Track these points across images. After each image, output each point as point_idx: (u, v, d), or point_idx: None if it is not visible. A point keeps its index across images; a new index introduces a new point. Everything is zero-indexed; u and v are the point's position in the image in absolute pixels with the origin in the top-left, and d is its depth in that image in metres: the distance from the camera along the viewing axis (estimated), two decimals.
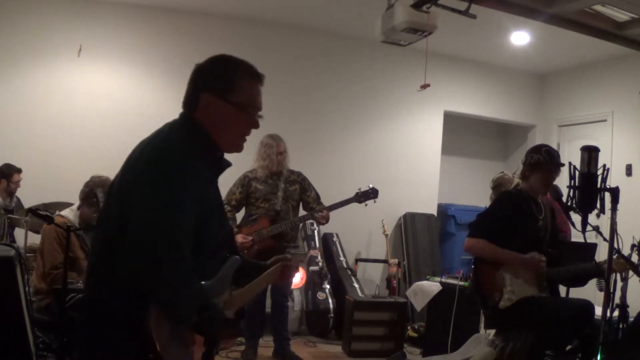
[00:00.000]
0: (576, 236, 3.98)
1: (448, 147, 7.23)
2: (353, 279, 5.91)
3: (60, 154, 5.51)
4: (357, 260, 6.36)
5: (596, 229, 3.31)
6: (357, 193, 4.41)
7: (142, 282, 1.47)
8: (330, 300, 5.65)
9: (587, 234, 2.82)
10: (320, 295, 5.69)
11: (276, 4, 5.80)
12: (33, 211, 3.49)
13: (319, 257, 5.92)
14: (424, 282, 5.01)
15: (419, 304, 4.91)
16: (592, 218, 2.95)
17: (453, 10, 4.23)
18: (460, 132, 7.65)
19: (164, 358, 1.48)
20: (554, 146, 6.57)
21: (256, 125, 1.75)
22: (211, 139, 1.69)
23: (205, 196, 1.63)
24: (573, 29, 4.96)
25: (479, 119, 7.49)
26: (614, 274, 3.14)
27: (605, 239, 2.93)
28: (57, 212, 3.65)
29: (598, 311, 3.19)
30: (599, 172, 2.85)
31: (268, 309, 4.65)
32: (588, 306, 3.31)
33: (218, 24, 6.09)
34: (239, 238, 4.21)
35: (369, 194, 4.40)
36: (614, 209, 2.85)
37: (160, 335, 1.48)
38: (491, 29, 5.72)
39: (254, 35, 6.14)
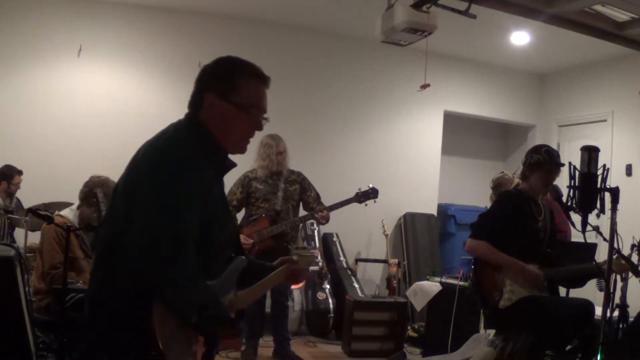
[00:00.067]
0: (576, 236, 3.97)
1: (448, 147, 7.23)
2: (353, 279, 5.91)
3: (60, 154, 5.51)
4: (357, 260, 6.36)
5: (596, 229, 3.30)
6: (357, 193, 4.41)
7: (146, 281, 1.49)
8: (330, 300, 5.66)
9: (587, 234, 2.82)
10: (320, 295, 5.69)
11: (276, 4, 5.81)
12: (33, 211, 3.49)
13: (319, 257, 5.92)
14: (424, 282, 5.01)
15: (419, 304, 4.91)
16: (592, 218, 2.95)
17: (453, 10, 4.23)
18: (460, 132, 7.65)
19: (166, 356, 1.48)
20: (554, 146, 6.58)
21: (259, 127, 1.75)
22: (215, 139, 1.70)
23: (209, 196, 1.64)
24: (573, 29, 4.96)
25: (479, 119, 7.50)
26: (613, 274, 3.14)
27: (605, 239, 2.93)
28: (57, 212, 3.65)
29: (598, 311, 3.19)
30: (599, 172, 2.85)
31: (268, 309, 4.65)
32: (588, 306, 3.31)
33: (218, 24, 6.09)
34: (241, 239, 4.21)
35: (369, 194, 4.41)
36: (614, 209, 2.85)
37: (163, 334, 1.48)
38: (491, 29, 5.72)
39: (254, 35, 6.14)
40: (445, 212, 6.98)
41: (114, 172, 3.70)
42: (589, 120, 6.78)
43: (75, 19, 5.67)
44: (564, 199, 2.99)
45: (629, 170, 6.17)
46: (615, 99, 6.44)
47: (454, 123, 7.29)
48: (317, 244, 6.05)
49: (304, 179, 4.60)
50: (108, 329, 1.58)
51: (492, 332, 3.79)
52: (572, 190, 2.86)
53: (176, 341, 1.50)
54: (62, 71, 5.64)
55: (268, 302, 4.61)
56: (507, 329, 3.40)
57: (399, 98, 6.78)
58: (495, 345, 3.41)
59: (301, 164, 4.80)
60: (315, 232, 6.09)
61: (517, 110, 7.46)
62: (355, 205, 4.43)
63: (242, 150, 1.77)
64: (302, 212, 4.58)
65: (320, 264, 5.85)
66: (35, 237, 4.34)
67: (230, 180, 4.36)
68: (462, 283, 4.55)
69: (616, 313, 3.33)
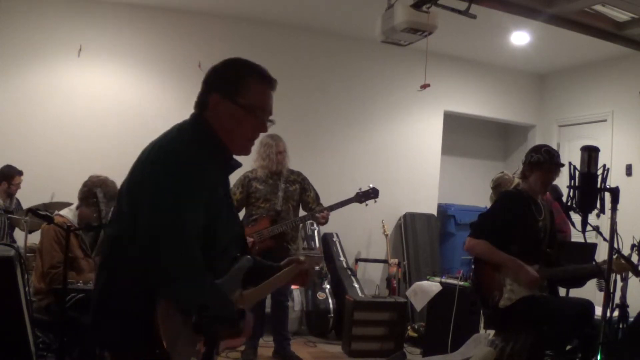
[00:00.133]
0: (576, 236, 3.98)
1: (448, 147, 7.23)
2: (353, 279, 5.91)
3: (60, 154, 5.51)
4: (357, 260, 6.36)
5: (596, 229, 3.30)
6: (357, 193, 4.41)
7: (148, 280, 1.51)
8: (330, 300, 5.66)
9: (587, 234, 2.82)
10: (320, 295, 5.69)
11: (276, 4, 5.81)
12: (33, 211, 3.49)
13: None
14: (424, 282, 5.01)
15: (419, 304, 4.90)
16: (592, 218, 2.95)
17: (453, 10, 4.23)
18: (460, 132, 7.65)
19: (170, 355, 1.50)
20: (554, 146, 6.57)
21: (264, 129, 1.77)
22: (220, 139, 1.71)
23: (213, 195, 1.65)
24: (573, 29, 4.96)
25: (479, 119, 7.50)
26: (613, 274, 3.14)
27: (605, 239, 2.93)
28: (56, 212, 3.65)
29: (598, 311, 3.19)
30: (599, 172, 2.85)
31: (268, 309, 4.65)
32: (588, 305, 3.31)
33: (218, 24, 6.09)
34: None
35: (370, 194, 4.41)
36: (614, 209, 2.85)
37: (167, 332, 1.50)
38: (491, 29, 5.72)
39: (254, 35, 6.14)
40: (445, 212, 6.98)
41: (114, 172, 3.74)
42: (589, 120, 6.78)
43: (75, 19, 5.67)
44: (564, 199, 2.99)
45: (629, 170, 6.17)
46: (615, 99, 6.43)
47: (454, 123, 7.29)
48: (317, 244, 6.05)
49: (304, 179, 4.61)
50: (113, 328, 1.60)
51: (492, 332, 3.79)
52: (572, 190, 2.86)
53: (180, 340, 1.51)
54: (62, 71, 5.64)
55: (268, 302, 4.61)
56: (507, 329, 3.40)
57: (399, 98, 6.78)
58: (495, 345, 3.41)
59: (301, 164, 4.79)
60: (315, 232, 6.09)
61: (517, 110, 7.46)
62: (355, 205, 4.43)
63: (246, 151, 1.78)
64: (301, 212, 4.58)
65: (320, 263, 5.85)
66: (35, 238, 4.34)
67: (230, 180, 4.35)
68: (462, 283, 4.55)
69: (616, 313, 3.33)
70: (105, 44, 5.75)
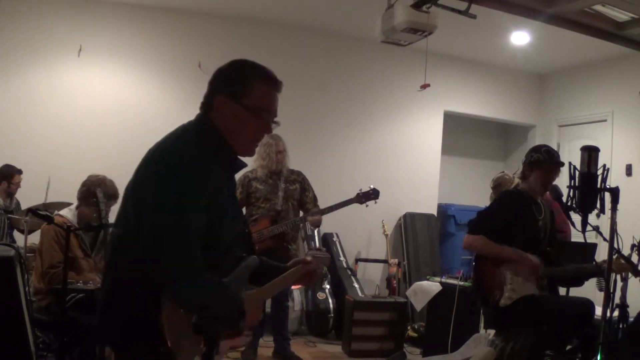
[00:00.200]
0: (576, 236, 3.97)
1: (448, 147, 7.23)
2: (353, 279, 5.91)
3: (60, 154, 5.51)
4: (357, 260, 6.36)
5: (596, 229, 3.30)
6: (358, 194, 4.42)
7: (151, 280, 1.53)
8: (330, 300, 5.66)
9: (587, 234, 2.83)
10: (320, 295, 5.69)
11: (276, 4, 5.81)
12: (33, 211, 3.49)
13: None
14: (424, 282, 5.01)
15: (419, 304, 4.91)
16: (592, 218, 2.95)
17: (453, 10, 4.23)
18: (460, 132, 7.65)
19: (175, 353, 1.51)
20: (554, 146, 6.58)
21: (268, 130, 1.78)
22: (224, 140, 1.72)
23: (217, 195, 1.66)
24: (573, 29, 4.96)
25: (479, 119, 7.50)
26: (613, 274, 3.14)
27: (605, 239, 2.93)
28: (56, 212, 3.65)
29: (598, 311, 3.19)
30: (599, 172, 2.85)
31: (268, 309, 4.65)
32: (588, 304, 3.31)
33: (218, 24, 6.09)
34: None
35: (370, 195, 4.41)
36: (614, 209, 2.85)
37: (171, 331, 1.51)
38: (491, 29, 5.72)
39: (254, 36, 6.14)
40: (445, 212, 6.98)
41: (114, 171, 3.74)
42: (589, 120, 6.78)
43: (75, 19, 5.67)
44: (564, 199, 2.99)
45: (629, 170, 6.18)
46: (615, 99, 6.43)
47: (454, 123, 7.29)
48: (317, 244, 6.05)
49: (304, 179, 4.61)
50: (117, 327, 1.62)
51: (492, 332, 3.79)
52: (572, 190, 2.86)
53: (184, 339, 1.52)
54: (62, 71, 5.64)
55: (268, 302, 4.61)
56: (507, 328, 3.40)
57: (399, 98, 6.78)
58: (495, 345, 3.41)
59: (301, 164, 4.79)
60: (315, 232, 6.08)
61: (517, 110, 7.46)
62: (355, 205, 4.43)
63: (250, 152, 1.80)
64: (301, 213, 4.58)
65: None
66: (35, 238, 4.34)
67: None
68: (462, 283, 4.55)
69: (616, 313, 3.33)
70: (105, 44, 5.75)
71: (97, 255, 3.62)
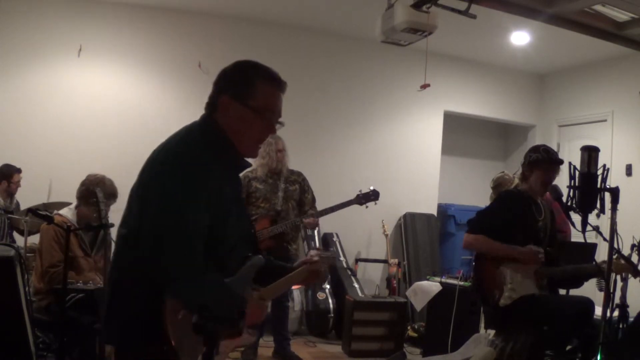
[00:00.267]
0: (576, 236, 3.97)
1: (448, 147, 7.23)
2: (353, 279, 5.91)
3: (60, 154, 5.51)
4: (357, 260, 6.36)
5: (596, 229, 3.30)
6: (358, 195, 4.41)
7: (153, 280, 1.54)
8: (330, 300, 5.66)
9: (587, 234, 2.82)
10: (320, 295, 5.69)
11: (276, 4, 5.81)
12: (33, 211, 3.49)
13: None
14: (424, 282, 5.01)
15: (419, 304, 4.90)
16: (592, 218, 2.95)
17: (453, 10, 4.23)
18: (460, 132, 7.65)
19: (178, 352, 1.52)
20: (554, 146, 6.59)
21: (272, 131, 1.79)
22: (228, 140, 1.73)
23: (220, 195, 1.67)
24: (573, 29, 4.96)
25: (479, 119, 7.49)
26: (613, 274, 3.14)
27: (605, 239, 2.93)
28: (55, 212, 3.65)
29: (598, 311, 3.19)
30: (599, 172, 2.85)
31: (268, 309, 4.65)
32: (588, 303, 3.32)
33: (218, 24, 6.09)
34: None
35: (370, 196, 4.41)
36: (614, 209, 2.85)
37: (175, 330, 1.52)
38: (491, 29, 5.72)
39: (254, 36, 6.14)
40: (445, 212, 6.98)
41: (114, 171, 3.74)
42: (589, 120, 6.78)
43: (75, 19, 5.67)
44: (564, 199, 2.99)
45: (629, 170, 6.17)
46: (615, 99, 6.43)
47: (454, 123, 7.29)
48: (317, 244, 6.05)
49: (304, 180, 4.60)
50: (119, 326, 1.64)
51: (492, 332, 3.79)
52: (572, 190, 2.86)
53: (188, 338, 1.52)
54: (62, 71, 5.64)
55: None
56: (507, 328, 3.40)
57: (399, 98, 6.78)
58: (495, 345, 3.41)
59: (301, 164, 4.79)
60: (315, 232, 6.09)
61: (517, 110, 7.46)
62: (355, 205, 4.43)
63: (253, 153, 1.81)
64: None
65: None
66: (35, 238, 4.33)
67: None
68: (462, 283, 4.55)
69: (616, 313, 3.33)
70: (105, 44, 5.74)
71: (96, 255, 3.62)
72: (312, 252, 1.92)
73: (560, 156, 3.54)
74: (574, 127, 7.04)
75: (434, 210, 6.93)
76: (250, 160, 1.91)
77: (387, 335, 4.99)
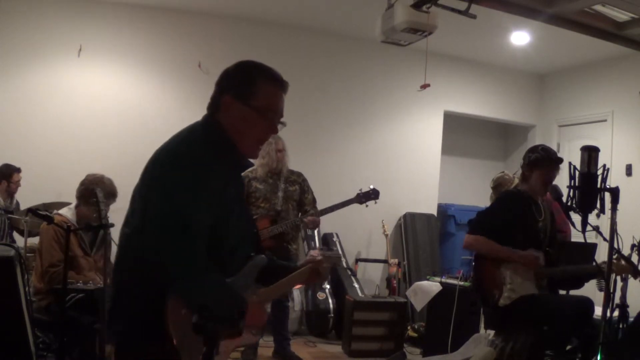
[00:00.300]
0: (576, 236, 3.97)
1: (448, 147, 7.23)
2: (353, 279, 5.91)
3: (60, 154, 5.51)
4: (357, 260, 6.36)
5: (596, 229, 3.31)
6: (358, 194, 4.42)
7: (156, 279, 1.55)
8: (330, 300, 5.66)
9: (587, 234, 2.83)
10: (320, 295, 5.69)
11: (276, 4, 5.81)
12: (33, 211, 3.49)
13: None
14: (424, 282, 5.01)
15: (419, 304, 4.90)
16: (592, 218, 2.95)
17: (453, 10, 4.23)
18: (460, 132, 7.65)
19: (180, 351, 1.53)
20: (554, 146, 6.59)
21: (274, 131, 1.79)
22: (230, 140, 1.73)
23: (222, 195, 1.68)
24: (573, 29, 4.96)
25: (479, 119, 7.50)
26: (613, 274, 3.14)
27: (605, 239, 2.93)
28: (55, 211, 3.65)
29: (598, 311, 3.19)
30: (599, 172, 2.85)
31: (268, 309, 4.65)
32: (588, 303, 3.32)
33: (218, 24, 6.09)
34: None
35: (370, 195, 4.41)
36: (614, 209, 2.85)
37: (177, 329, 1.52)
38: (491, 29, 5.72)
39: (254, 36, 6.14)
40: (445, 212, 6.98)
41: (114, 171, 3.74)
42: (589, 120, 6.78)
43: (75, 19, 5.67)
44: (564, 199, 2.99)
45: (629, 170, 6.17)
46: (615, 99, 6.43)
47: (454, 123, 7.29)
48: (317, 244, 6.05)
49: (304, 180, 4.60)
50: (120, 325, 1.64)
51: (492, 332, 3.79)
52: (572, 190, 2.86)
53: (189, 337, 1.52)
54: (62, 71, 5.64)
55: None
56: (507, 328, 3.40)
57: (399, 98, 6.78)
58: (495, 345, 3.41)
59: (301, 164, 4.79)
60: (315, 232, 6.09)
61: (517, 110, 7.46)
62: (355, 205, 4.43)
63: (254, 153, 1.81)
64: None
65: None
66: (35, 239, 4.33)
67: None
68: (462, 283, 4.55)
69: (616, 313, 3.33)
70: (105, 44, 5.74)
71: (96, 254, 3.62)
72: (314, 252, 1.92)
73: (560, 156, 3.54)
74: (574, 127, 7.04)
75: (434, 210, 6.93)
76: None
77: (387, 335, 4.99)
